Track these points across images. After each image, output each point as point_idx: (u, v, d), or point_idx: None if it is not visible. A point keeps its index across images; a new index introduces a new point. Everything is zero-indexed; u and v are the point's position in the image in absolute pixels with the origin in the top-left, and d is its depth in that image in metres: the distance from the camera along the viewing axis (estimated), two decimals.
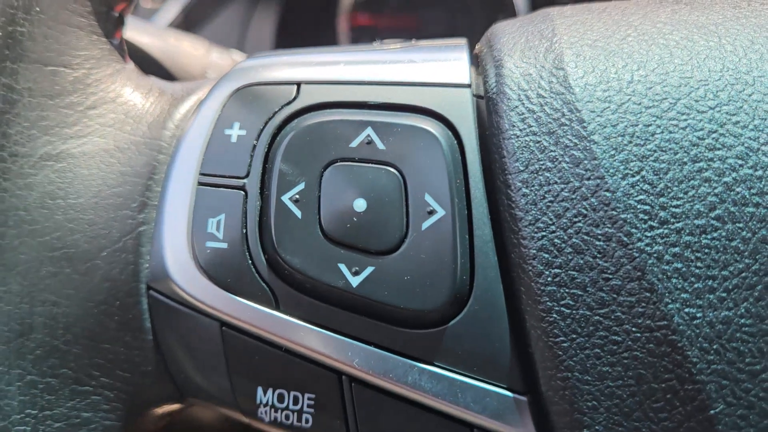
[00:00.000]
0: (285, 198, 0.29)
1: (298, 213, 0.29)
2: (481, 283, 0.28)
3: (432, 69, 0.31)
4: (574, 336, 0.26)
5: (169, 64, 0.50)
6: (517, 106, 0.28)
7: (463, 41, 0.34)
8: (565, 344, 0.26)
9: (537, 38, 0.30)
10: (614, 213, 0.26)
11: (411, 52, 0.33)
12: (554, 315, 0.26)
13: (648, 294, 0.26)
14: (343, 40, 1.03)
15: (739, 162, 0.26)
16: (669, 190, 0.26)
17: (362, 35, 1.04)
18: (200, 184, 0.31)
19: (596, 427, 0.26)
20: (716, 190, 0.26)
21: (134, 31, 0.50)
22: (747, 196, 0.26)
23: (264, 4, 0.87)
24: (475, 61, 0.33)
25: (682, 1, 0.34)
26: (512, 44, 0.31)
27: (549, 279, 0.27)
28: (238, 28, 0.83)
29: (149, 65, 0.49)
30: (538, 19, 0.32)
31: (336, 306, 0.29)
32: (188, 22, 0.80)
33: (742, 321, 0.25)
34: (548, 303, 0.27)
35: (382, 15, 1.02)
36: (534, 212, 0.27)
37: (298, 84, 0.32)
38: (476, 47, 0.34)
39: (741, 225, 0.26)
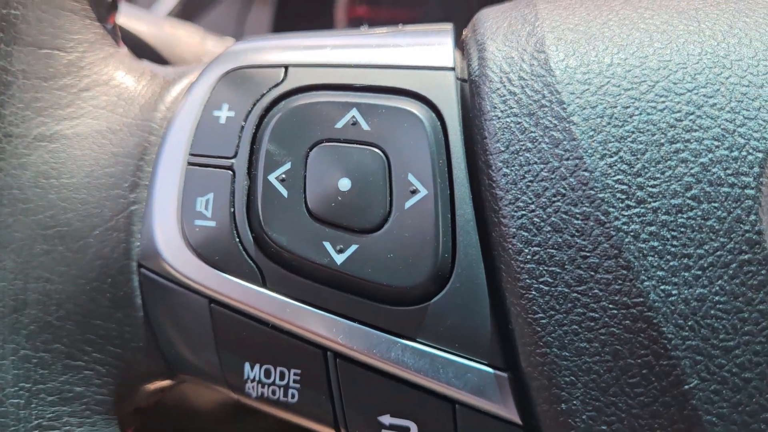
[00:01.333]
0: (271, 177, 0.30)
1: (284, 192, 0.30)
2: (462, 261, 0.29)
3: (417, 52, 0.32)
4: (553, 313, 0.27)
5: (165, 52, 0.51)
6: (498, 88, 0.29)
7: (448, 26, 0.35)
8: (543, 321, 0.27)
9: (520, 23, 0.31)
10: (592, 192, 0.27)
11: (397, 36, 0.33)
12: (533, 292, 0.27)
13: (625, 272, 0.26)
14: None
15: (716, 143, 0.27)
16: (646, 170, 0.27)
17: (359, 26, 1.05)
18: (190, 164, 0.31)
19: (574, 402, 0.27)
20: (693, 171, 0.27)
21: (131, 19, 0.51)
22: (723, 177, 0.27)
23: None
24: (461, 45, 0.34)
25: None
26: (495, 28, 0.31)
27: (528, 257, 0.27)
28: (235, 20, 0.83)
29: (145, 52, 0.49)
30: (522, 4, 0.33)
31: (321, 283, 0.30)
32: (186, 13, 0.81)
33: (717, 298, 0.26)
34: (527, 280, 0.27)
35: (380, 7, 1.03)
36: (514, 191, 0.28)
37: (286, 67, 0.32)
38: (463, 32, 0.35)
39: (716, 205, 0.26)
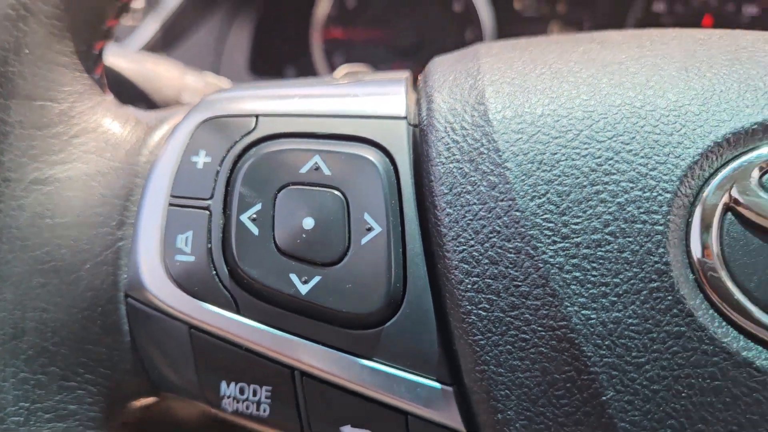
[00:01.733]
0: (244, 217, 0.34)
1: (255, 230, 0.34)
2: (412, 290, 0.33)
3: (373, 102, 0.36)
4: (490, 335, 0.31)
5: (147, 87, 0.54)
6: (443, 137, 0.33)
7: (404, 75, 0.38)
8: (482, 342, 0.31)
9: (464, 76, 0.35)
10: (523, 230, 0.31)
11: (356, 86, 0.37)
12: (473, 317, 0.31)
13: (551, 299, 0.30)
14: (317, 53, 1.07)
15: (631, 185, 0.31)
16: (570, 209, 0.31)
17: (335, 48, 1.08)
18: (171, 204, 0.35)
19: (508, 413, 0.31)
20: (610, 209, 0.31)
21: (115, 57, 0.54)
22: (636, 215, 0.30)
23: (240, 20, 0.91)
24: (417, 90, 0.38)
25: (596, 39, 0.38)
26: (442, 81, 0.35)
27: (469, 286, 0.31)
28: (214, 44, 0.87)
29: (128, 88, 0.53)
30: (468, 57, 0.37)
31: (289, 310, 0.33)
32: (166, 39, 0.84)
33: (630, 321, 0.30)
34: (468, 306, 0.31)
35: (355, 29, 1.07)
36: (456, 229, 0.31)
37: (257, 116, 0.36)
38: (418, 78, 0.39)
39: (631, 239, 0.30)
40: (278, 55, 1.00)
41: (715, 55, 0.35)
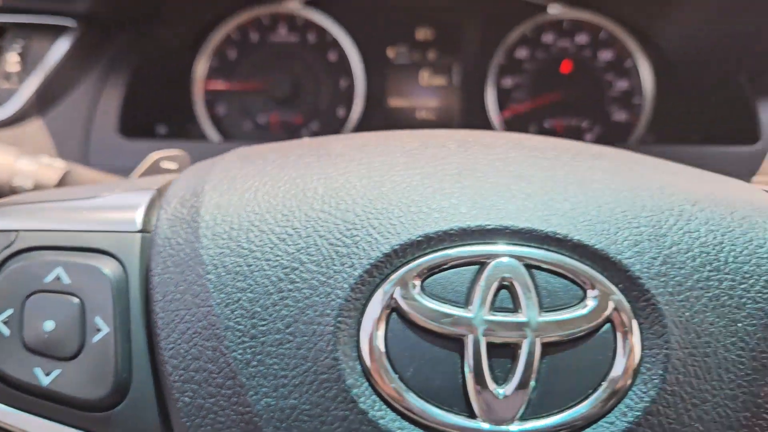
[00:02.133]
0: None
1: (7, 332, 0.40)
2: (137, 379, 0.39)
3: (113, 216, 0.42)
4: (194, 417, 0.37)
5: None
6: (162, 251, 0.39)
7: (157, 185, 0.45)
8: (188, 423, 0.37)
9: (189, 194, 0.41)
10: (218, 331, 0.37)
11: (105, 199, 0.44)
12: (180, 403, 0.37)
13: (239, 389, 0.37)
14: (198, 104, 1.13)
15: (311, 291, 0.37)
16: (258, 313, 0.37)
17: (217, 99, 1.14)
18: None
19: None
20: (292, 313, 0.37)
21: None
22: (313, 317, 0.37)
23: (113, 80, 0.95)
24: None
25: (321, 150, 0.45)
26: (172, 198, 0.42)
27: (177, 377, 0.37)
28: (88, 105, 0.91)
29: None
30: (199, 173, 0.43)
31: (37, 397, 0.39)
32: (43, 101, 0.89)
33: (304, 407, 0.36)
34: (176, 394, 0.37)
35: (234, 80, 1.13)
36: (167, 330, 0.38)
37: (18, 231, 0.42)
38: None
39: (307, 338, 0.37)
40: (149, 114, 1.06)
41: (410, 168, 0.42)
